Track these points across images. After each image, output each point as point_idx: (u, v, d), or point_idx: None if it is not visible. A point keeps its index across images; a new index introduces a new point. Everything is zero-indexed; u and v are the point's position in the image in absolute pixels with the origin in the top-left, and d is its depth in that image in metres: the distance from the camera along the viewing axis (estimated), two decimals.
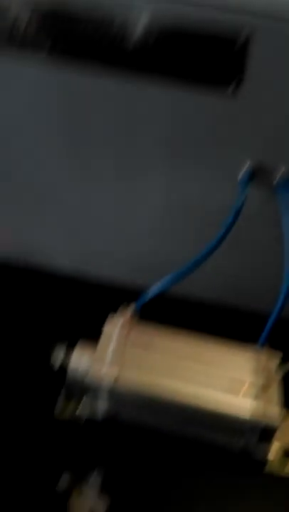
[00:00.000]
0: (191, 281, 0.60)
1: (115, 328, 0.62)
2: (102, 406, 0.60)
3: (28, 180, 0.75)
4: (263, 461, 0.55)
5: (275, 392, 0.54)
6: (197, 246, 0.60)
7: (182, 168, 0.67)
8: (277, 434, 0.53)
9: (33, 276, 0.81)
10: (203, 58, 0.56)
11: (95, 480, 0.55)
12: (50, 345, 0.66)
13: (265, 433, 0.53)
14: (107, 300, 0.64)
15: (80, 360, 0.62)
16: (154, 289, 0.63)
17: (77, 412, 0.62)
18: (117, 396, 0.57)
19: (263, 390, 0.55)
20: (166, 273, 0.60)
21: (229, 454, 0.55)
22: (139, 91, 0.60)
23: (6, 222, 0.81)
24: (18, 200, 0.78)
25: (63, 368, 0.63)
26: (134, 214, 0.74)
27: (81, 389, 0.63)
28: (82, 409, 0.62)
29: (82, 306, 0.76)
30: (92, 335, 0.61)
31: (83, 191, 0.73)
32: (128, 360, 0.58)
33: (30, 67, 0.62)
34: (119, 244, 0.78)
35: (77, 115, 0.67)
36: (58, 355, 0.64)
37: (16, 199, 0.78)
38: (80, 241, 0.80)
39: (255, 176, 0.65)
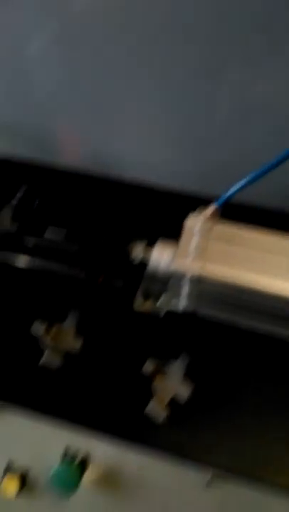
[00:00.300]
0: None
1: (198, 223, 0.58)
2: (183, 298, 0.59)
3: (106, 90, 0.68)
4: None
5: None
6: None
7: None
8: None
9: (110, 186, 0.78)
10: None
11: (178, 366, 0.56)
12: (129, 242, 0.64)
13: None
14: (178, 208, 0.60)
15: (162, 255, 0.60)
16: (234, 188, 0.58)
17: (158, 305, 0.62)
18: (201, 288, 0.55)
19: None
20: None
21: None
22: None
23: (86, 135, 0.76)
24: (98, 112, 0.72)
25: (143, 262, 0.62)
26: (208, 121, 0.66)
27: (162, 283, 0.63)
28: (163, 303, 0.62)
29: (155, 212, 0.73)
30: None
31: (160, 102, 0.66)
32: (211, 254, 0.55)
33: None
34: (191, 152, 0.72)
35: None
36: (139, 251, 0.62)
37: (95, 112, 0.72)
38: (152, 152, 0.74)
39: None
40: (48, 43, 0.66)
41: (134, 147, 0.75)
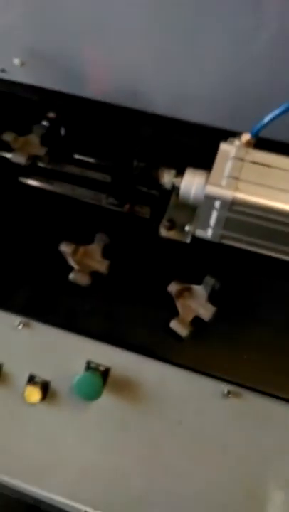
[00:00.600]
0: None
1: (232, 149, 0.59)
2: (212, 225, 0.60)
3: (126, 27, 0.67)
4: None
5: None
6: None
7: None
8: None
9: (136, 115, 0.78)
10: None
11: (203, 288, 0.58)
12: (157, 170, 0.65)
13: None
14: (209, 141, 0.60)
15: (193, 181, 0.61)
16: (268, 117, 0.58)
17: (187, 229, 0.64)
18: (231, 214, 0.57)
19: None
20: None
21: None
22: None
23: (113, 67, 0.76)
24: (129, 45, 0.71)
25: (173, 188, 0.63)
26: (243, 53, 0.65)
27: (190, 209, 0.64)
28: (190, 229, 0.63)
29: (185, 145, 0.73)
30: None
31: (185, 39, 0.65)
32: (245, 180, 0.56)
33: None
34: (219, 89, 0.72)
35: None
36: (168, 177, 0.63)
37: (120, 46, 0.71)
38: (178, 85, 0.74)
39: None
40: None
41: (166, 80, 0.75)
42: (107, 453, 0.57)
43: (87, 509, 0.55)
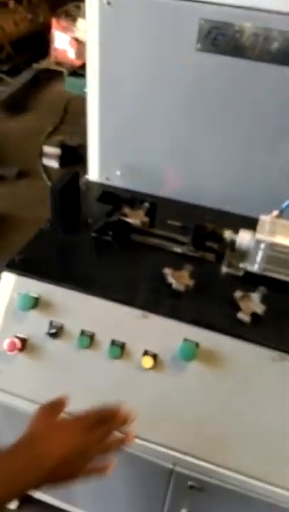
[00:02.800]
0: None
1: (269, 217, 1.02)
2: (258, 261, 1.00)
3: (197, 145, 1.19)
4: None
5: None
6: None
7: None
8: None
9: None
10: None
11: (257, 295, 0.95)
12: (220, 230, 1.07)
13: None
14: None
15: (244, 234, 1.03)
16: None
17: (241, 266, 1.03)
18: (272, 252, 0.97)
19: None
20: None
21: None
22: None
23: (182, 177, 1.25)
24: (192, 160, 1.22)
25: (231, 240, 1.04)
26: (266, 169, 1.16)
27: (241, 252, 1.04)
28: (245, 264, 1.03)
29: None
30: None
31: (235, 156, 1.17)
32: (278, 231, 0.98)
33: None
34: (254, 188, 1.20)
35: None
36: (229, 234, 1.05)
37: (191, 160, 1.22)
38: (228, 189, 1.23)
39: None
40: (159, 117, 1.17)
41: (215, 183, 1.22)
42: (199, 402, 0.87)
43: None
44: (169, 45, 1.07)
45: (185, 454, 0.89)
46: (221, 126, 1.14)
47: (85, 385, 0.94)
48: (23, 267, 0.98)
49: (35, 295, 0.95)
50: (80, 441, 0.61)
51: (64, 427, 0.63)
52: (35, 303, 0.95)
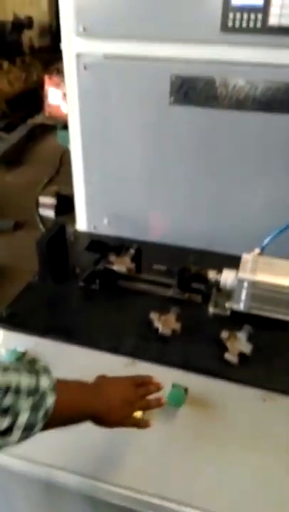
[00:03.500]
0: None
1: (251, 256, 1.04)
2: (242, 300, 1.01)
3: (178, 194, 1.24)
4: None
5: None
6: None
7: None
8: None
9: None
10: None
11: (243, 334, 0.95)
12: (204, 271, 1.09)
13: None
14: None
15: (228, 275, 1.04)
16: (268, 239, 1.06)
17: (227, 306, 1.04)
18: (256, 290, 0.98)
19: None
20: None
21: None
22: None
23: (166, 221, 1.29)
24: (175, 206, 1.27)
25: (216, 280, 1.06)
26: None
27: (226, 292, 1.05)
28: (231, 303, 1.04)
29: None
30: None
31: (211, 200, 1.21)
32: (260, 269, 1.00)
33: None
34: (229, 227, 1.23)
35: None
36: (213, 274, 1.07)
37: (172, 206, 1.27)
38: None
39: None
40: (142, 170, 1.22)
41: (197, 226, 1.26)
42: (189, 450, 0.85)
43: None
44: (144, 101, 1.14)
45: (170, 501, 0.86)
46: (199, 171, 1.19)
47: (73, 436, 0.92)
48: (11, 321, 0.99)
49: (22, 349, 0.95)
50: (131, 392, 0.78)
51: (121, 381, 0.80)
52: (22, 357, 0.95)
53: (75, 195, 1.37)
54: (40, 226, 3.05)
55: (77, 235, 1.37)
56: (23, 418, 0.59)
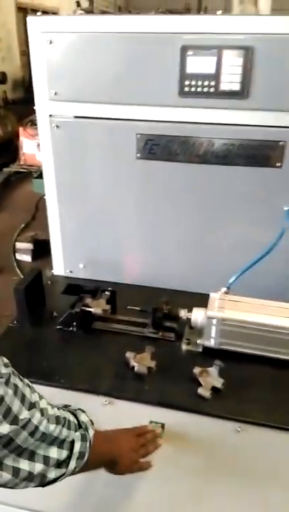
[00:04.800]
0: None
1: (218, 294, 1.12)
2: (212, 336, 1.08)
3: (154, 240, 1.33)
4: None
5: None
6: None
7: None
8: None
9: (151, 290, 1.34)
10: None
11: (215, 369, 1.01)
12: (174, 311, 1.16)
13: None
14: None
15: (198, 312, 1.11)
16: (234, 277, 1.14)
17: (198, 342, 1.10)
18: (224, 326, 1.06)
19: None
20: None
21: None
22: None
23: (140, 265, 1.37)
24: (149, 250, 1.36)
25: (187, 318, 1.12)
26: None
27: (198, 329, 1.12)
28: (202, 340, 1.10)
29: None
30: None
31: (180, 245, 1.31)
32: (227, 307, 1.07)
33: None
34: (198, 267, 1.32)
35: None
36: (184, 313, 1.14)
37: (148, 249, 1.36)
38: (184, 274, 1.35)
39: None
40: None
41: (168, 267, 1.34)
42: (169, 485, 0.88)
43: None
44: (113, 156, 1.24)
45: None
46: (168, 219, 1.29)
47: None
48: None
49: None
50: (134, 441, 0.89)
51: (125, 431, 0.90)
52: None
53: (51, 242, 1.44)
54: (18, 271, 3.08)
55: (54, 279, 1.42)
56: (76, 448, 0.68)
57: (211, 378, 1.01)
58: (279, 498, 0.83)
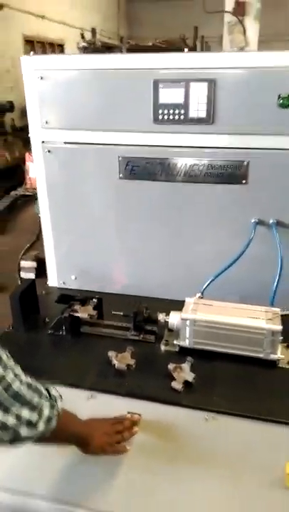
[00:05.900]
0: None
1: (192, 300, 1.24)
2: (186, 337, 1.19)
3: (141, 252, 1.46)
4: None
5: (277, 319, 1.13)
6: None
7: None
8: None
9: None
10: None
11: (187, 365, 1.12)
12: (153, 315, 1.27)
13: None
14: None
15: (175, 315, 1.23)
16: (206, 283, 1.26)
17: (175, 343, 1.21)
18: (197, 327, 1.17)
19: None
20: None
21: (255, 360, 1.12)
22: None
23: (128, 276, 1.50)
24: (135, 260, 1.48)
25: (165, 321, 1.24)
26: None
27: (176, 331, 1.23)
28: (178, 340, 1.21)
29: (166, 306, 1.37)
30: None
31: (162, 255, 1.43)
32: (200, 310, 1.19)
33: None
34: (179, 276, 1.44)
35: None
36: (161, 316, 1.25)
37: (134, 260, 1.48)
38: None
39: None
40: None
41: (150, 277, 1.45)
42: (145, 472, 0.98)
43: None
44: (99, 177, 1.39)
45: None
46: (149, 234, 1.42)
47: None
48: None
49: None
50: (109, 427, 0.98)
51: (102, 420, 0.99)
52: None
53: (46, 256, 1.58)
54: None
55: (49, 289, 1.55)
56: (46, 412, 0.78)
57: (183, 373, 1.11)
58: (247, 478, 0.92)
